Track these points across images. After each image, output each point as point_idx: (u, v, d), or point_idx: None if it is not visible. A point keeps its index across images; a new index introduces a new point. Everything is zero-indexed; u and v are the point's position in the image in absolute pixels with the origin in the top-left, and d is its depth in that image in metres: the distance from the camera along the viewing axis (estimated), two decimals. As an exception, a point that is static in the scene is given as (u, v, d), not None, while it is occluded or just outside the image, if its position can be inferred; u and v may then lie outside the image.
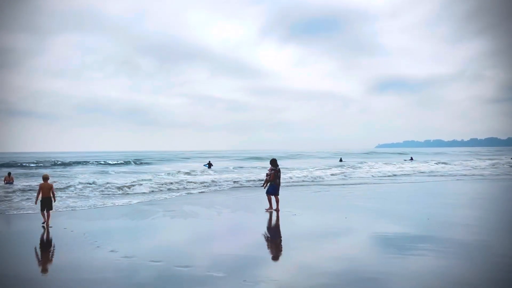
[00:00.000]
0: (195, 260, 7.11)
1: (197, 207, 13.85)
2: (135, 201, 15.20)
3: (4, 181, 21.80)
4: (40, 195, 10.39)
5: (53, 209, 10.72)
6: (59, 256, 7.74)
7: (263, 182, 13.89)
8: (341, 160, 56.71)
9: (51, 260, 7.55)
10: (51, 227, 10.15)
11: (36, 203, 10.66)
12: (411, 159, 50.29)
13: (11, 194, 16.39)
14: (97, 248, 8.09)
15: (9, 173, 22.51)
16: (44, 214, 10.28)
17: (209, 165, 39.04)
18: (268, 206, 12.84)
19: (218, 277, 6.13)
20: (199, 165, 39.37)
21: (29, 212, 12.66)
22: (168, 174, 27.22)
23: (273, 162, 13.15)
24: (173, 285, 5.92)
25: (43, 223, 10.24)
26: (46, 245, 8.78)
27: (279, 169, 13.11)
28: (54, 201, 10.63)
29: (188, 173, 28.14)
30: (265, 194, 13.01)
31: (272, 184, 12.84)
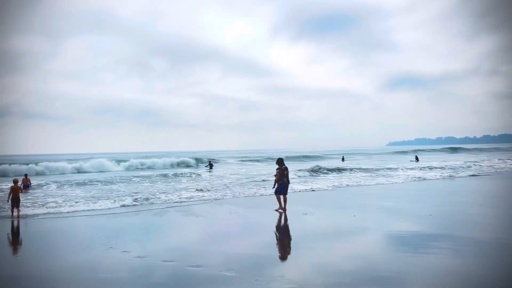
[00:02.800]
0: (207, 260, 7.11)
1: (207, 207, 13.88)
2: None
3: (21, 183, 22.12)
4: (11, 195, 12.56)
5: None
6: (73, 256, 7.80)
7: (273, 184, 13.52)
8: (343, 160, 55.79)
9: (66, 260, 7.61)
10: (24, 218, 12.29)
11: (8, 201, 12.76)
12: (416, 158, 48.81)
13: (29, 197, 16.64)
14: (110, 248, 8.16)
15: (26, 175, 22.79)
16: (13, 210, 12.56)
17: (210, 166, 38.33)
18: (278, 206, 12.81)
19: (231, 276, 6.12)
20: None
21: (41, 217, 12.83)
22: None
23: (279, 161, 13.11)
24: (185, 284, 5.93)
25: (12, 217, 12.38)
26: (59, 246, 8.88)
27: (285, 167, 13.02)
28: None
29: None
30: (274, 194, 12.98)
31: (280, 183, 12.81)
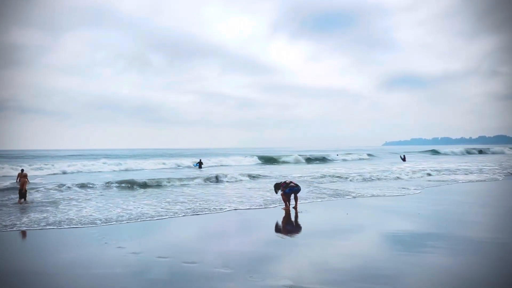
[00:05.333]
0: (202, 256, 7.11)
1: (204, 204, 13.85)
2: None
3: (17, 178, 22.04)
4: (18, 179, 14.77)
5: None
6: (68, 252, 7.79)
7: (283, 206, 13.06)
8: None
9: (61, 255, 7.58)
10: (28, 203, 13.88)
11: (16, 181, 14.95)
12: (404, 157, 48.00)
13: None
14: (105, 244, 8.15)
15: (22, 170, 22.67)
16: (21, 200, 14.07)
17: (200, 164, 37.68)
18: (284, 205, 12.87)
19: (226, 273, 6.13)
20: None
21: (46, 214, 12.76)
22: None
23: (277, 185, 13.24)
24: (180, 280, 5.94)
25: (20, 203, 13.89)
26: (55, 242, 8.85)
27: (284, 182, 13.16)
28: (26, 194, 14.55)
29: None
30: (282, 195, 12.96)
31: (291, 187, 12.86)
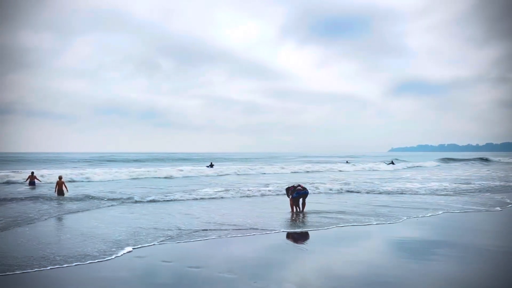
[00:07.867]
0: (207, 261, 7.14)
1: (207, 209, 13.88)
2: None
3: (27, 179, 22.33)
4: (57, 187, 16.96)
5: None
6: (73, 254, 7.83)
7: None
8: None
9: (66, 258, 7.63)
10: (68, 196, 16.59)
11: (55, 192, 17.01)
12: (392, 163, 48.02)
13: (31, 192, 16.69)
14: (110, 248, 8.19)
15: (32, 172, 22.91)
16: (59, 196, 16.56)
17: (211, 165, 42.31)
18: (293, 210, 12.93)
19: (230, 278, 6.14)
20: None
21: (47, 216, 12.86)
22: None
23: (287, 191, 13.30)
24: (185, 285, 5.96)
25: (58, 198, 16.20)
26: (59, 244, 8.91)
27: (292, 186, 13.26)
28: (67, 191, 17.18)
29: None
30: (290, 200, 13.00)
31: (298, 190, 12.94)
